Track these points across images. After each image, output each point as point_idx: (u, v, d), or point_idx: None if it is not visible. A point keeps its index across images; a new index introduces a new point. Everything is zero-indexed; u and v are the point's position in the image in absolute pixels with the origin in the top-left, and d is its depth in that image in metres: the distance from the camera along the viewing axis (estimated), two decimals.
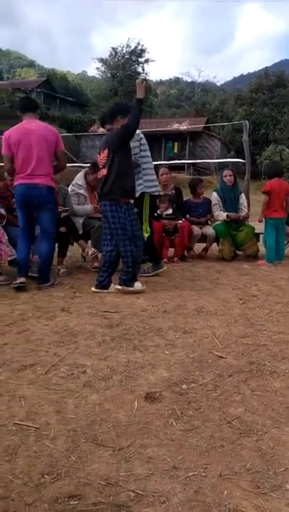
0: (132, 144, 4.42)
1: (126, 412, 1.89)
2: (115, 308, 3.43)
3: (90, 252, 4.92)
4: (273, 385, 2.17)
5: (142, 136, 4.64)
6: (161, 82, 60.57)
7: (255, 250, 5.77)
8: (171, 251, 5.78)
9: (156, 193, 4.81)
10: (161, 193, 5.06)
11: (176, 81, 56.58)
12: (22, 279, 3.97)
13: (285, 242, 5.99)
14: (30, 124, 4.00)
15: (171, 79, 61.33)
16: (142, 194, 4.57)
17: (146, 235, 4.57)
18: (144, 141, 4.65)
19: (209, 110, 35.28)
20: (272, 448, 1.66)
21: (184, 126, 25.73)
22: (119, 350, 2.58)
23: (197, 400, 2.02)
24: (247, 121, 14.60)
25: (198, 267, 5.22)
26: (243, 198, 6.01)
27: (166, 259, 5.44)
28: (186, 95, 44.13)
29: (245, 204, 6.04)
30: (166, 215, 5.77)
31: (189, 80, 44.86)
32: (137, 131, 4.48)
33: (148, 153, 4.72)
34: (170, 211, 5.78)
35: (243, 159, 13.75)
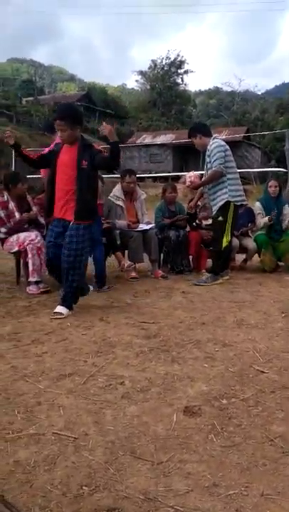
0: (217, 155, 4.72)
1: (164, 425, 1.86)
2: (153, 319, 3.42)
3: (126, 265, 4.95)
4: None
5: (227, 147, 4.86)
6: (200, 93, 60.65)
7: None
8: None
9: (239, 203, 4.90)
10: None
11: (216, 91, 56.38)
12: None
13: None
14: None
15: (210, 89, 61.24)
16: (227, 203, 4.73)
17: (225, 245, 4.76)
18: (229, 152, 4.86)
19: (249, 119, 35.03)
20: None
21: (223, 136, 25.61)
22: (157, 362, 2.56)
23: (238, 415, 1.97)
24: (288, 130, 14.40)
25: (238, 279, 5.12)
26: (287, 209, 5.86)
27: (203, 270, 5.38)
28: (226, 105, 43.95)
29: None
30: (206, 225, 5.72)
31: (229, 89, 44.70)
32: (223, 143, 4.86)
33: (233, 163, 4.92)
34: (210, 221, 5.72)
35: (285, 168, 13.54)
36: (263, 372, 2.44)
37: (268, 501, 1.42)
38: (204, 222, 5.74)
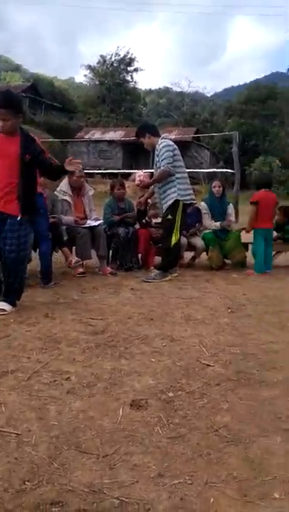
0: (165, 154, 4.79)
1: (110, 419, 1.85)
2: (101, 316, 3.39)
3: (73, 261, 4.88)
4: (261, 394, 2.15)
5: (175, 146, 4.94)
6: (150, 91, 60.90)
7: (242, 257, 5.78)
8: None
9: (188, 202, 4.99)
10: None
11: (166, 91, 56.84)
12: None
13: (273, 252, 6.02)
14: None
15: (160, 88, 61.67)
16: (176, 202, 4.82)
17: (174, 242, 4.85)
18: (177, 151, 4.94)
19: (199, 120, 35.71)
20: (259, 457, 1.63)
21: (172, 136, 25.96)
22: (104, 358, 2.54)
23: (184, 407, 1.99)
24: (237, 133, 14.85)
25: (186, 276, 5.20)
26: (231, 208, 6.03)
27: (152, 267, 5.42)
28: (176, 105, 44.45)
29: (233, 215, 6.08)
30: (155, 223, 5.76)
31: (179, 90, 45.26)
32: (171, 143, 4.93)
33: (182, 163, 5.01)
34: (159, 219, 5.77)
35: (233, 170, 13.94)
36: (208, 365, 2.49)
37: (212, 489, 1.44)
38: (154, 220, 5.78)
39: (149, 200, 5.59)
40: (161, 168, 4.79)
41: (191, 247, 5.91)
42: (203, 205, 5.95)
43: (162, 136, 5.11)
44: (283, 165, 28.17)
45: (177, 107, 42.97)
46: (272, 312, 3.64)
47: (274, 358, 2.63)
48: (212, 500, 1.39)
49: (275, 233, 6.03)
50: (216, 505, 1.36)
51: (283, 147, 30.50)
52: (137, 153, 26.87)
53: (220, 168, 21.52)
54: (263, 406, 2.02)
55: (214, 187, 5.91)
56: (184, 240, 5.75)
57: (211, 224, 5.77)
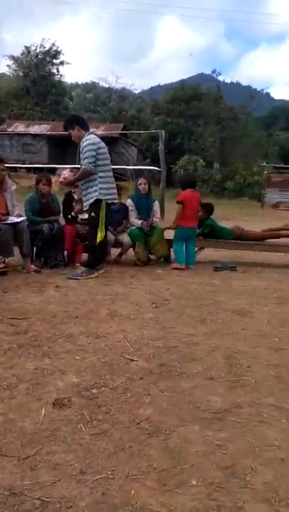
0: (88, 153, 4.69)
1: (32, 420, 1.82)
2: (23, 315, 3.30)
3: None
4: (182, 386, 2.23)
5: (100, 145, 4.85)
6: (77, 86, 59.92)
7: (165, 252, 5.92)
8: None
9: (110, 201, 4.95)
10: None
11: (93, 85, 56.28)
12: None
13: (196, 248, 6.23)
14: None
15: (87, 83, 60.92)
16: (98, 200, 4.77)
17: (99, 239, 4.81)
18: (102, 150, 4.86)
19: (126, 117, 35.80)
20: (179, 446, 1.70)
21: (100, 132, 25.84)
22: (26, 358, 2.49)
23: (107, 403, 2.01)
24: (163, 131, 15.13)
25: (112, 272, 5.22)
26: (156, 205, 6.14)
27: (78, 264, 5.38)
28: (103, 101, 44.22)
29: (159, 212, 6.20)
30: (82, 219, 5.71)
31: (106, 85, 45.05)
32: (96, 141, 4.82)
33: (106, 161, 4.94)
34: (86, 215, 5.72)
35: (159, 167, 14.18)
36: (132, 360, 2.54)
37: (133, 481, 1.48)
38: (80, 216, 5.72)
39: (75, 196, 5.53)
40: (83, 166, 4.78)
41: (117, 243, 5.94)
42: (129, 202, 6.00)
43: (90, 131, 5.06)
44: (207, 164, 29.24)
45: (104, 102, 42.78)
46: (194, 306, 3.78)
47: (194, 350, 2.74)
48: (133, 492, 1.43)
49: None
50: (137, 497, 1.40)
51: (207, 147, 31.61)
52: (64, 148, 26.33)
53: (146, 166, 21.81)
54: (183, 397, 2.11)
55: (140, 184, 5.99)
56: (110, 237, 5.77)
57: (135, 221, 5.85)
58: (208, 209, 6.37)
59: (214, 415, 1.94)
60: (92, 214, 4.84)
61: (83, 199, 4.96)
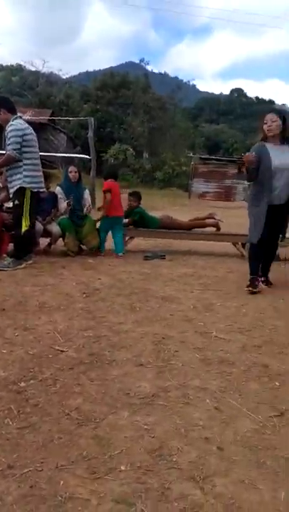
0: (12, 139, 4.51)
1: None
2: None
3: None
4: (112, 374, 2.26)
5: (27, 131, 4.66)
6: (2, 68, 57.13)
7: (97, 243, 5.91)
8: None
9: (36, 190, 4.76)
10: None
11: (19, 69, 53.99)
12: None
13: (127, 238, 6.29)
14: None
15: (12, 65, 58.27)
16: (22, 188, 4.62)
17: (24, 229, 4.68)
18: (28, 136, 4.67)
19: (54, 103, 34.85)
20: (108, 433, 1.73)
21: (27, 117, 24.92)
22: None
23: (36, 396, 1.99)
24: (92, 118, 14.92)
25: (42, 263, 5.11)
26: (86, 193, 6.09)
27: (5, 255, 5.20)
28: (29, 85, 42.62)
29: (89, 200, 6.15)
30: (7, 208, 5.50)
31: (33, 69, 43.41)
32: (22, 127, 4.62)
33: (33, 148, 4.75)
34: (11, 204, 5.52)
35: (89, 155, 14.01)
36: (62, 351, 2.52)
37: (62, 472, 1.49)
38: (5, 205, 5.51)
39: (0, 183, 5.32)
40: (7, 152, 4.60)
41: (46, 233, 5.82)
42: (58, 190, 5.89)
43: (17, 115, 4.84)
44: (137, 154, 29.37)
45: (31, 86, 41.25)
46: (124, 295, 3.82)
47: (124, 337, 2.78)
48: (62, 482, 1.43)
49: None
50: (65, 487, 1.41)
51: (137, 136, 31.72)
52: None
53: (77, 154, 21.44)
54: (113, 384, 2.14)
55: (70, 172, 5.90)
56: (39, 226, 5.63)
57: (63, 205, 5.76)
58: (139, 197, 6.48)
59: (143, 400, 1.99)
60: (16, 202, 4.70)
61: (9, 186, 4.79)
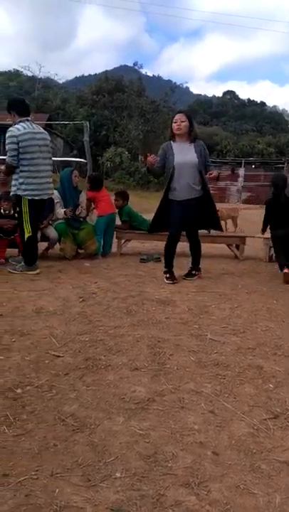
0: (8, 146, 4.44)
1: None
2: None
3: None
4: (107, 378, 2.26)
5: (24, 137, 4.45)
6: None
7: (95, 248, 5.91)
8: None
9: (31, 198, 4.58)
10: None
11: (17, 74, 54.10)
12: None
13: (123, 240, 6.32)
14: None
15: (10, 71, 58.44)
16: (18, 196, 4.59)
17: (27, 235, 4.67)
18: (25, 143, 4.46)
19: (51, 107, 34.88)
20: (103, 439, 1.73)
21: None
22: None
23: (32, 402, 1.99)
24: (88, 122, 14.94)
25: (39, 267, 5.11)
26: (83, 196, 6.10)
27: (3, 260, 5.20)
28: (27, 90, 42.69)
29: (84, 202, 6.16)
30: (6, 213, 5.49)
31: (30, 74, 43.47)
32: (18, 132, 4.44)
33: (32, 155, 4.53)
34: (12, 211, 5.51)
35: (86, 159, 14.01)
36: (58, 356, 2.52)
37: (58, 480, 1.49)
38: (2, 211, 5.51)
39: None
40: (6, 160, 4.58)
41: (44, 237, 5.82)
42: (56, 194, 5.88)
43: (22, 119, 4.63)
44: (132, 156, 29.35)
45: (28, 91, 41.32)
46: (120, 298, 3.82)
47: (119, 341, 2.78)
48: (57, 490, 1.43)
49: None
50: (61, 495, 1.41)
51: (132, 139, 31.69)
52: None
53: (73, 157, 21.45)
54: (108, 390, 2.14)
55: (76, 176, 5.95)
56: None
57: (60, 211, 5.76)
58: (126, 196, 6.53)
59: (138, 405, 1.99)
60: (18, 209, 4.72)
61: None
